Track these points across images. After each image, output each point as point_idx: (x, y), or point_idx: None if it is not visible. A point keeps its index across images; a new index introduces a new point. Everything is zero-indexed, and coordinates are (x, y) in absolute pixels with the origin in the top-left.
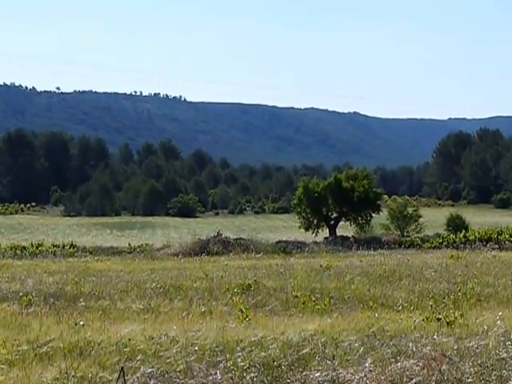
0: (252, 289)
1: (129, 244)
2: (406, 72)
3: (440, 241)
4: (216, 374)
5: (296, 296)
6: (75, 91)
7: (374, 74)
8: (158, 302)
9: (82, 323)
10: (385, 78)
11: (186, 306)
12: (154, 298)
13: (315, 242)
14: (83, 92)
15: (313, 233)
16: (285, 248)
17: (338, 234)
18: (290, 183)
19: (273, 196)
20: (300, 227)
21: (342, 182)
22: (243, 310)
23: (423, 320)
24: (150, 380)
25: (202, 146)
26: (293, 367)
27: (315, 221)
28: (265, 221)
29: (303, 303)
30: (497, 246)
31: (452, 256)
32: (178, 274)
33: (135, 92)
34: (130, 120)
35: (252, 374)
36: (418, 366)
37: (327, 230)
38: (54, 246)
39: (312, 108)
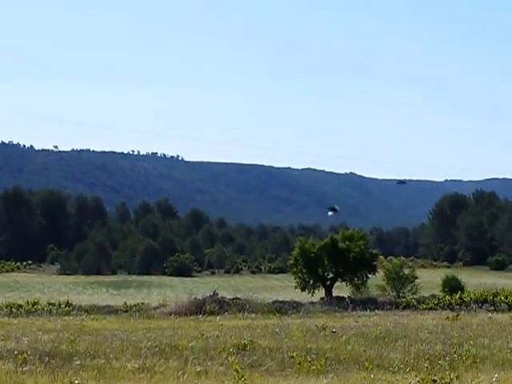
0: (248, 349)
1: (125, 303)
2: (401, 134)
3: (436, 302)
4: None
5: (292, 356)
6: (73, 150)
7: (371, 136)
8: (154, 362)
9: (77, 382)
10: (381, 139)
11: (182, 365)
12: (149, 358)
13: (311, 302)
14: (81, 151)
15: (309, 293)
16: (281, 308)
17: (334, 294)
18: (287, 243)
19: (269, 256)
20: (296, 287)
21: (338, 243)
22: (239, 370)
23: (419, 382)
24: None
25: (198, 206)
26: None
27: (311, 281)
28: (261, 280)
29: (299, 364)
30: (492, 308)
31: (448, 317)
32: (174, 333)
33: (132, 151)
34: (126, 179)
35: None
36: None
37: (323, 290)
38: (49, 304)
39: (309, 168)
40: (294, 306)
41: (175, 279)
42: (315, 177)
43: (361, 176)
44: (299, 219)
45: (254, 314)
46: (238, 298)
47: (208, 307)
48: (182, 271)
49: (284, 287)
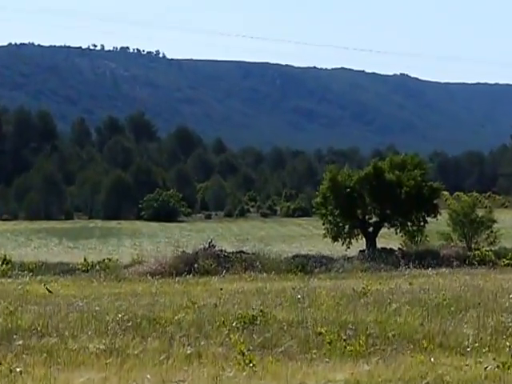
0: (258, 322)
1: (84, 259)
2: (473, 19)
3: None
4: None
5: (319, 333)
6: (10, 44)
7: (429, 23)
8: (126, 341)
9: (18, 370)
10: (444, 26)
11: (165, 346)
12: (119, 336)
13: (347, 258)
14: (21, 45)
15: (343, 244)
16: (304, 265)
17: (379, 245)
18: (312, 174)
19: (287, 193)
20: (325, 236)
21: (384, 173)
22: (245, 352)
23: (498, 367)
24: None
25: (187, 122)
26: None
27: (347, 227)
28: (276, 227)
29: (329, 343)
30: None
31: None
32: (154, 301)
33: (94, 46)
34: (86, 85)
35: None
36: None
37: (363, 239)
38: None
39: (342, 68)
40: (323, 263)
41: (155, 225)
42: (351, 80)
43: (416, 78)
44: (328, 140)
45: (265, 274)
46: (244, 252)
47: (201, 265)
48: (165, 214)
49: (308, 236)
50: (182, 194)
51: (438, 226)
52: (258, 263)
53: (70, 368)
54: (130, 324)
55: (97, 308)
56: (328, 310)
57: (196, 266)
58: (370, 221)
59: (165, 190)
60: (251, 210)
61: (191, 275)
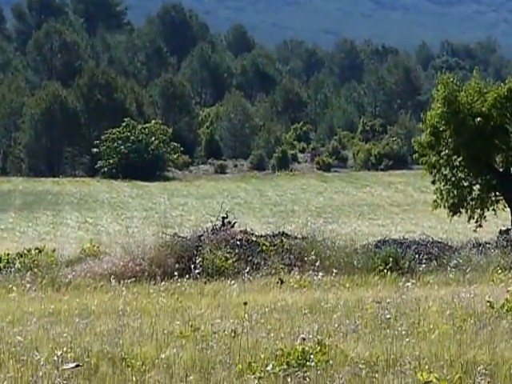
0: (312, 364)
1: None
2: None
3: None
4: None
5: (428, 381)
6: None
7: None
8: None
9: None
10: None
11: None
12: None
13: (477, 245)
14: None
15: (470, 219)
16: (398, 259)
17: None
18: (412, 89)
19: (366, 124)
20: (437, 205)
21: None
22: None
23: None
24: None
25: None
26: None
27: (476, 189)
28: (346, 189)
29: None
30: None
31: None
32: (122, 326)
33: None
34: None
35: None
36: None
37: (508, 211)
38: None
39: None
40: (433, 255)
41: (123, 187)
42: None
43: None
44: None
45: (327, 276)
46: (287, 236)
47: (208, 259)
48: (142, 167)
49: (405, 206)
50: (172, 127)
51: None
52: (312, 256)
53: None
54: (77, 368)
55: (18, 339)
56: (442, 341)
57: (199, 261)
58: None
59: (141, 121)
60: (300, 157)
61: (190, 278)
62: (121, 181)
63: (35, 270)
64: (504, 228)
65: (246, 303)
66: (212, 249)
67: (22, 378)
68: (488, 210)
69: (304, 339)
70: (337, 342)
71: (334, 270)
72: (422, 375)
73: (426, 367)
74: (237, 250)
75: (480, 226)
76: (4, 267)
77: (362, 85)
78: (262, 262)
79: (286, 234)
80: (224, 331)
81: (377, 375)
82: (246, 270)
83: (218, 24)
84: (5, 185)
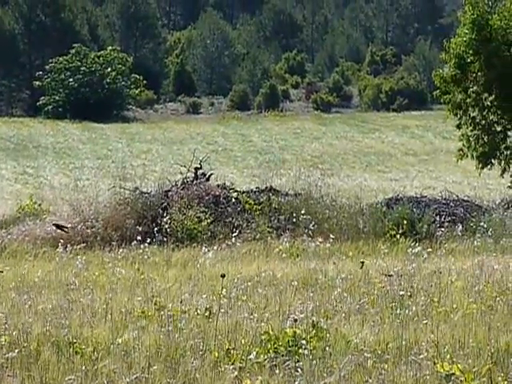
0: (306, 352)
1: None
2: None
3: None
4: None
5: (449, 375)
6: None
7: None
8: None
9: None
10: None
11: None
12: None
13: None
14: None
15: (504, 173)
16: (413, 222)
17: None
18: (432, 11)
19: (374, 52)
20: (463, 155)
21: None
22: None
23: None
24: None
25: None
26: None
27: (511, 135)
28: (349, 133)
29: None
30: None
31: None
32: (69, 302)
33: None
34: None
35: None
36: None
37: None
38: None
39: None
40: (457, 216)
41: (70, 128)
42: None
43: None
44: None
45: (324, 242)
46: (275, 191)
47: (178, 220)
48: (94, 104)
49: (423, 155)
50: (133, 56)
51: None
52: (307, 217)
53: None
54: (13, 355)
55: None
56: (467, 324)
57: (165, 222)
58: None
59: (94, 47)
60: (292, 93)
61: (154, 244)
62: (68, 122)
63: None
64: None
65: (223, 275)
66: (182, 208)
67: None
68: None
69: (296, 320)
70: (336, 324)
71: (334, 236)
72: (442, 366)
73: (448, 356)
74: (213, 210)
75: None
76: None
77: (371, 4)
78: (245, 225)
79: (275, 190)
80: (196, 310)
81: (386, 366)
82: (224, 235)
83: None
84: None
